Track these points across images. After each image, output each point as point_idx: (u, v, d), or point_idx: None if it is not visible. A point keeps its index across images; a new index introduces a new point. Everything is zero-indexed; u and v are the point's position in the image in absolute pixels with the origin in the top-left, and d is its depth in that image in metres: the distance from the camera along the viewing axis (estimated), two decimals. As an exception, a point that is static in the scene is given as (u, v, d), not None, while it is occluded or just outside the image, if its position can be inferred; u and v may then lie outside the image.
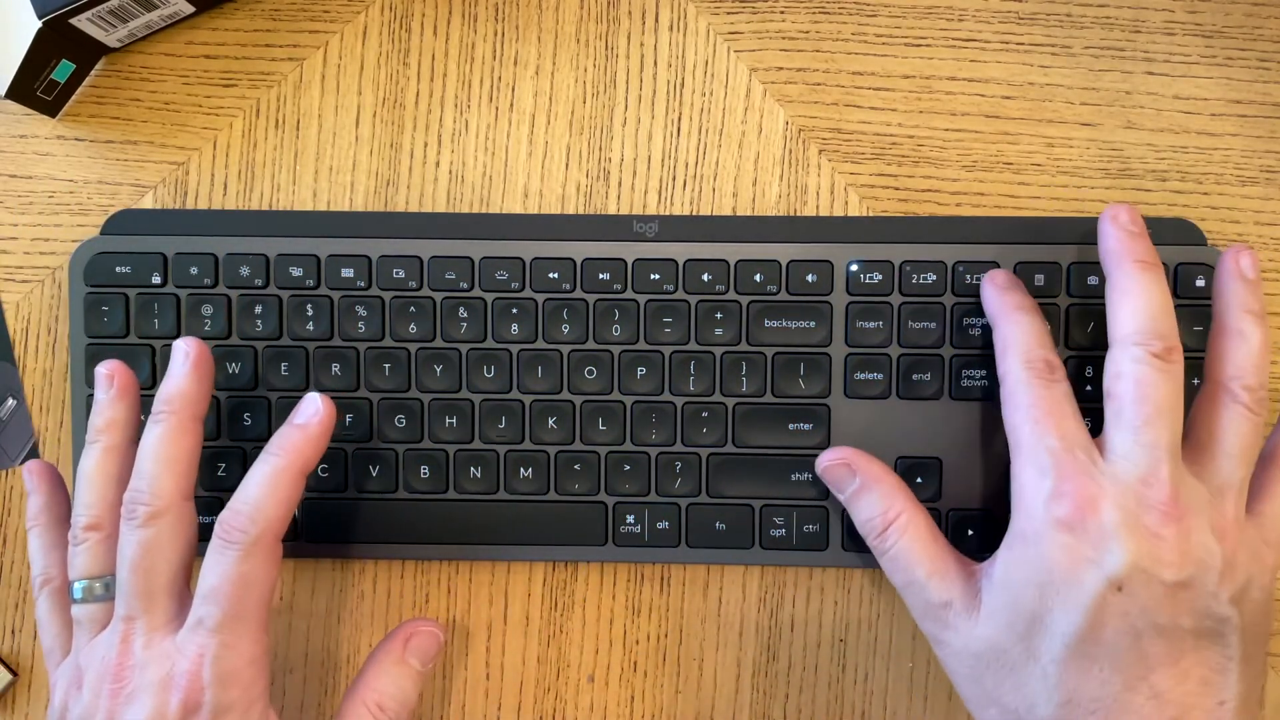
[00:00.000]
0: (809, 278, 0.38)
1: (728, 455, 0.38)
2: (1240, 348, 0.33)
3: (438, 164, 0.40)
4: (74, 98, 0.41)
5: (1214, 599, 0.30)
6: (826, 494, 0.38)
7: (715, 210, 0.40)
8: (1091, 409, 0.35)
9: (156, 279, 0.38)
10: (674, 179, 0.40)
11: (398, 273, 0.38)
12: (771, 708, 0.40)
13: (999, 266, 0.38)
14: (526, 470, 0.38)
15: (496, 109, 0.40)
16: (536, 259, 0.38)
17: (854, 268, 0.38)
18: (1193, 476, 0.32)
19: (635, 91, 0.40)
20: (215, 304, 0.38)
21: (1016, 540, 0.32)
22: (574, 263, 0.38)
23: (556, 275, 0.38)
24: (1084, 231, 0.38)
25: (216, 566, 0.32)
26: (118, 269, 0.38)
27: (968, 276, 0.38)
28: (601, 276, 0.38)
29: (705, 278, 0.38)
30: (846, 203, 0.40)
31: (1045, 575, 0.31)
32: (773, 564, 0.39)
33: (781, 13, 0.40)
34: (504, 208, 0.40)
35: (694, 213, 0.40)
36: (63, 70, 0.39)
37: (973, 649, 0.32)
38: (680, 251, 0.38)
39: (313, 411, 0.34)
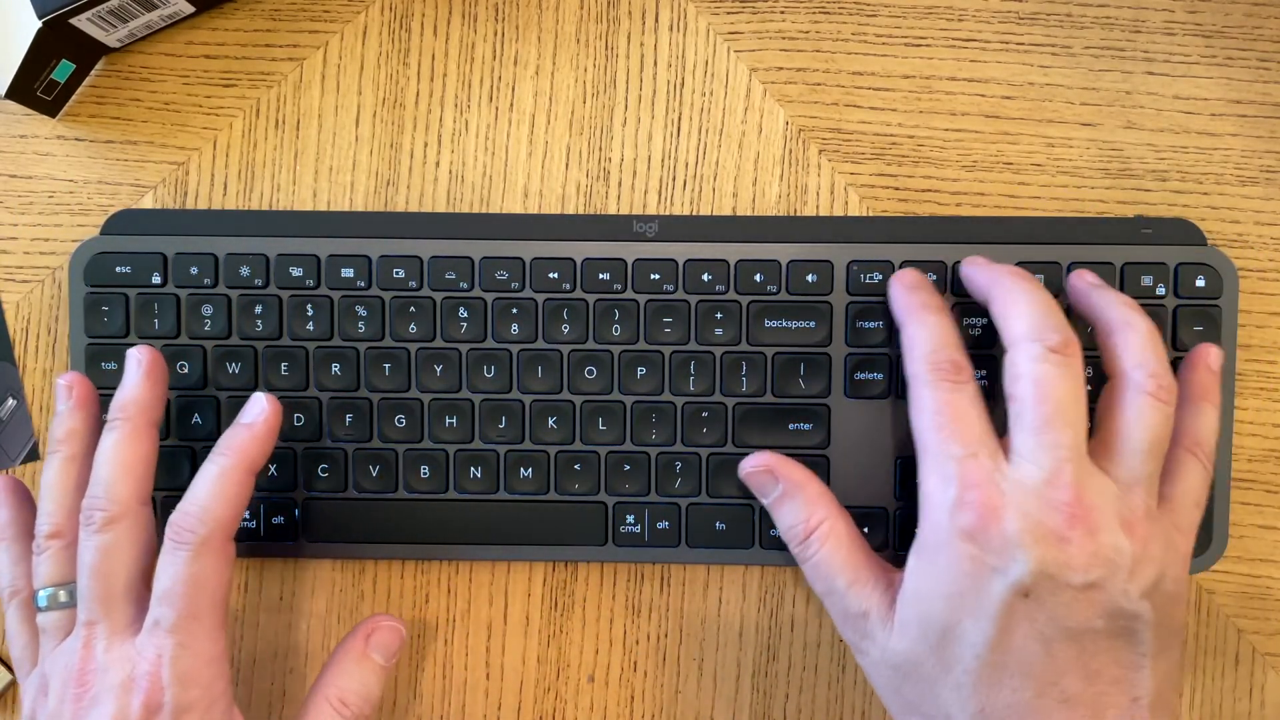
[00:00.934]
0: (809, 278, 0.38)
1: (728, 455, 0.38)
2: (1132, 337, 0.33)
3: (438, 164, 0.40)
4: (74, 98, 0.41)
5: (1124, 597, 0.30)
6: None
7: (715, 210, 0.40)
8: (1094, 409, 0.35)
9: (156, 279, 0.38)
10: (674, 179, 0.40)
11: (398, 273, 0.38)
12: (771, 708, 0.40)
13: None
14: (526, 470, 0.38)
15: (496, 109, 0.40)
16: (536, 259, 0.38)
17: (854, 267, 0.38)
18: (1101, 472, 0.31)
19: (635, 91, 0.40)
20: (215, 304, 0.38)
21: (924, 550, 0.32)
22: (574, 263, 0.38)
23: (556, 275, 0.38)
24: (1084, 231, 0.38)
25: (169, 568, 0.32)
26: (118, 269, 0.38)
27: None
28: (601, 276, 0.38)
29: (705, 278, 0.38)
30: (846, 203, 0.40)
31: (952, 586, 0.31)
32: (772, 564, 0.39)
33: (781, 13, 0.40)
34: (504, 208, 0.40)
35: (694, 213, 0.40)
36: (63, 70, 0.39)
37: (890, 660, 0.32)
38: (680, 251, 0.38)
39: (258, 411, 0.34)
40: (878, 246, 0.38)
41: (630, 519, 0.38)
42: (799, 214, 0.40)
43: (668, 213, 0.40)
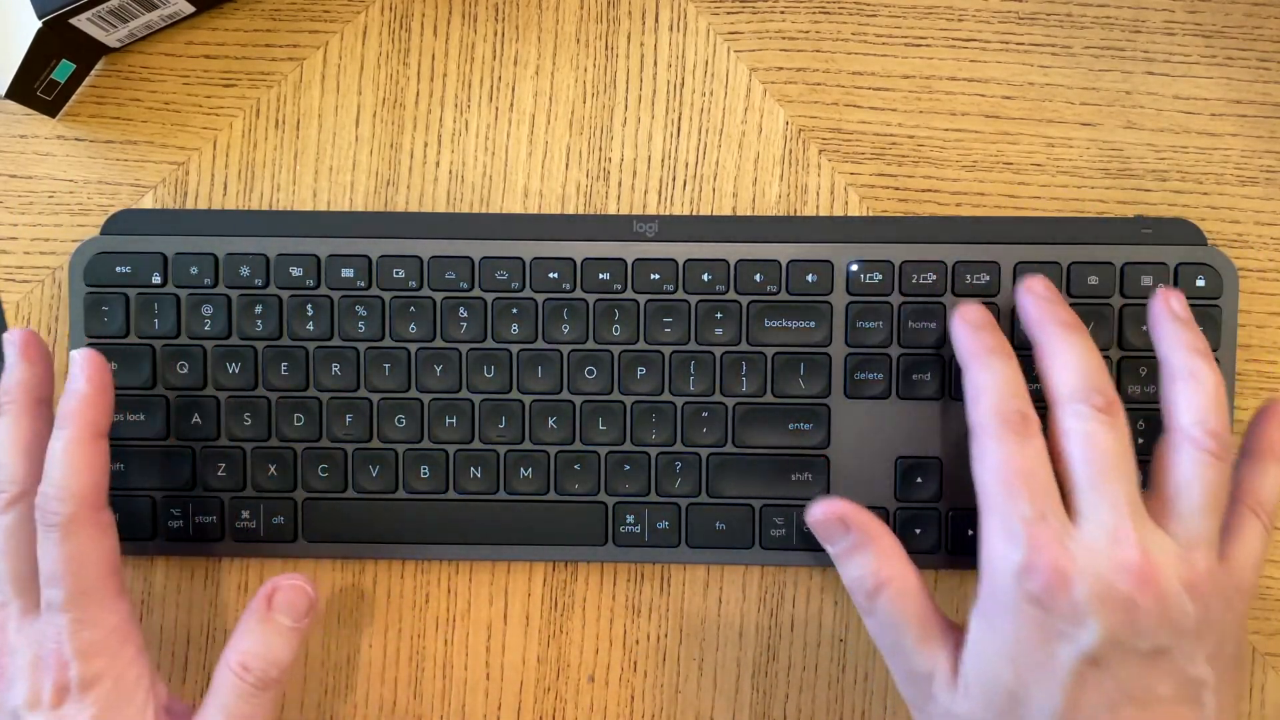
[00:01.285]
0: (809, 278, 0.38)
1: (728, 455, 0.38)
2: (1195, 391, 0.32)
3: (438, 164, 0.40)
4: (74, 98, 0.41)
5: (1190, 661, 0.29)
6: (826, 493, 0.38)
7: (715, 210, 0.40)
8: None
9: (156, 279, 0.38)
10: (674, 179, 0.40)
11: (398, 273, 0.38)
12: (771, 708, 0.40)
13: (999, 266, 0.38)
14: (527, 470, 0.38)
15: (496, 109, 0.40)
16: (536, 259, 0.38)
17: (854, 268, 0.38)
18: (1161, 531, 0.30)
19: (635, 91, 0.40)
20: (215, 304, 0.38)
21: (987, 612, 0.31)
22: (574, 263, 0.38)
23: (556, 275, 0.38)
24: (1084, 231, 0.38)
25: (47, 551, 0.33)
26: (118, 269, 0.38)
27: (968, 276, 0.38)
28: (601, 276, 0.38)
29: (705, 277, 0.38)
30: (846, 203, 0.40)
31: (1019, 651, 0.30)
32: (773, 564, 0.39)
33: (781, 13, 0.40)
34: (504, 208, 0.40)
35: (694, 213, 0.40)
36: (63, 70, 0.39)
37: None
38: (680, 251, 0.38)
39: (79, 370, 0.34)
40: (878, 246, 0.38)
41: (630, 519, 0.38)
42: (799, 214, 0.40)
43: (668, 213, 0.40)
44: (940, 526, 0.38)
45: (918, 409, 0.38)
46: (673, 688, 0.40)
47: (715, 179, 0.40)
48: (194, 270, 0.38)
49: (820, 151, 0.40)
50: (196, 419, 0.38)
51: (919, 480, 0.38)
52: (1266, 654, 0.39)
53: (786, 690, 0.40)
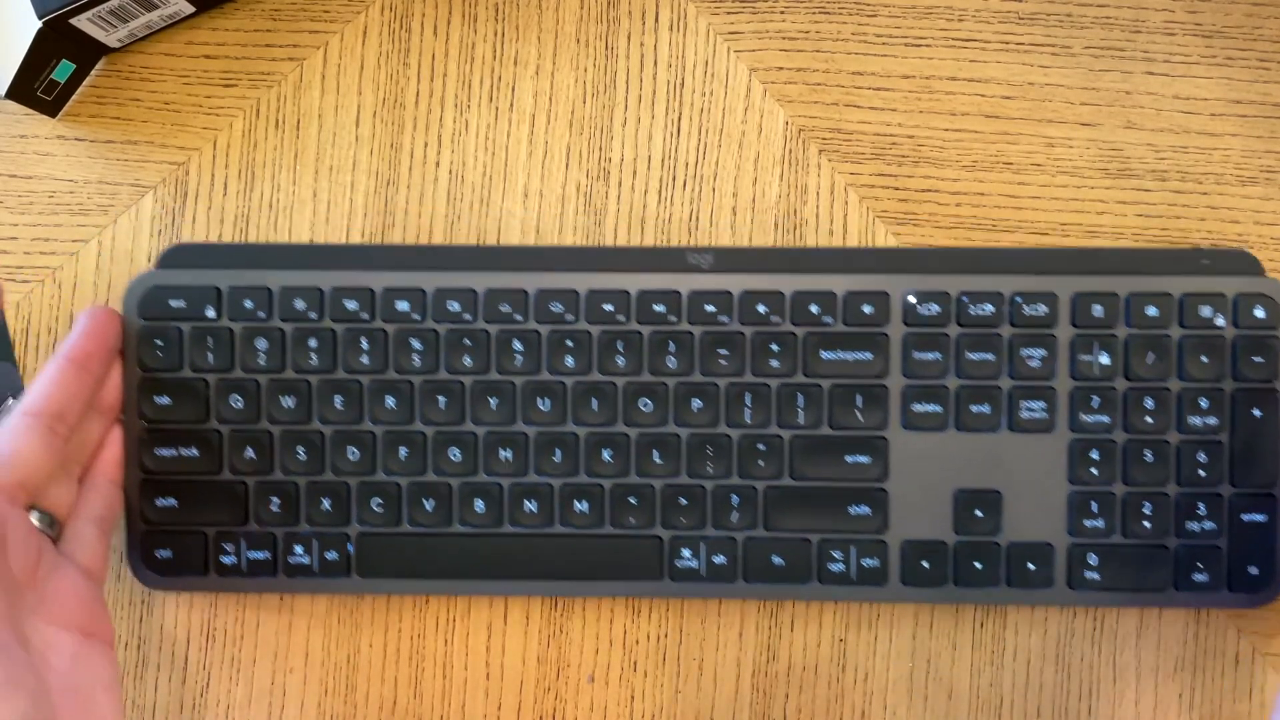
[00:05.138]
0: (865, 309, 0.38)
1: (785, 488, 0.38)
2: None
3: (438, 164, 0.40)
4: (74, 98, 0.41)
5: None
6: (885, 526, 0.38)
7: (715, 210, 0.40)
8: (1152, 440, 0.36)
9: (211, 312, 0.38)
10: (674, 179, 0.40)
11: (452, 306, 0.38)
12: (771, 708, 0.40)
13: (1056, 297, 0.37)
14: (581, 504, 0.38)
15: (496, 109, 0.41)
16: (591, 291, 0.38)
17: (911, 299, 0.38)
18: None
19: (635, 91, 0.40)
20: (269, 337, 0.38)
21: None
22: (628, 295, 0.38)
23: (611, 307, 0.38)
24: (1142, 262, 0.38)
25: None
26: (172, 302, 0.38)
27: (1026, 307, 0.37)
28: (656, 308, 0.38)
29: (760, 309, 0.38)
30: (847, 202, 0.40)
31: None
32: (831, 599, 0.38)
33: (781, 13, 0.40)
34: (504, 208, 0.40)
35: (694, 212, 0.40)
36: (63, 70, 0.39)
37: None
38: (735, 283, 0.38)
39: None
40: (934, 278, 0.38)
41: (686, 553, 0.38)
42: (799, 213, 0.40)
43: (668, 213, 0.40)
44: (999, 560, 0.38)
45: (976, 441, 0.37)
46: (673, 688, 0.40)
47: (715, 179, 0.40)
48: (248, 304, 0.38)
49: (820, 151, 0.40)
50: (250, 453, 0.38)
51: (978, 513, 0.37)
52: (1267, 654, 0.39)
53: (786, 690, 0.40)
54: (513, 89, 0.41)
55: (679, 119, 0.40)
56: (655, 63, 0.40)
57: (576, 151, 0.40)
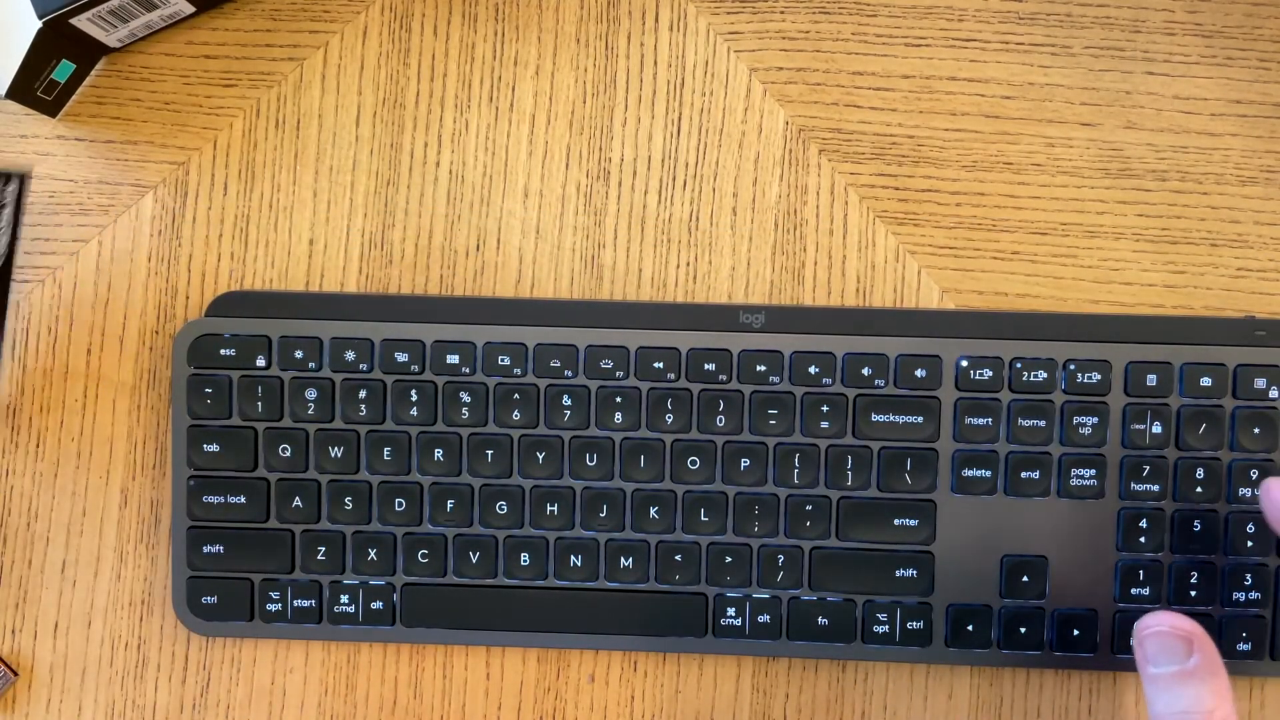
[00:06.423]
0: (918, 372, 0.38)
1: (831, 549, 0.38)
2: None
3: (438, 164, 0.40)
4: (74, 98, 0.41)
5: None
6: (930, 590, 0.38)
7: (715, 210, 0.40)
8: (1202, 511, 0.36)
9: (261, 361, 0.38)
10: (674, 179, 0.40)
11: (503, 360, 0.38)
12: (771, 708, 0.40)
13: (1109, 365, 0.37)
14: (627, 560, 0.38)
15: (496, 109, 0.41)
16: (642, 348, 0.38)
17: (963, 363, 0.37)
18: None
19: (635, 91, 0.40)
20: (319, 387, 0.38)
21: None
22: (679, 352, 0.38)
23: (661, 365, 0.38)
24: (1196, 332, 0.38)
25: None
26: (222, 351, 0.38)
27: (1079, 375, 0.37)
28: (707, 367, 0.38)
29: (812, 370, 0.38)
30: (847, 203, 0.40)
31: None
32: (875, 659, 0.38)
33: (781, 13, 0.40)
34: (504, 208, 0.40)
35: (694, 212, 0.40)
36: (63, 70, 0.39)
37: None
38: (787, 343, 0.38)
39: None
40: (988, 342, 0.38)
41: (731, 611, 0.38)
42: (800, 214, 0.40)
43: (668, 213, 0.40)
44: (1046, 626, 0.38)
45: (1025, 506, 0.38)
46: (673, 688, 0.40)
47: (715, 179, 0.40)
48: (298, 354, 0.38)
49: (820, 151, 0.40)
50: (298, 502, 0.38)
51: (1025, 579, 0.37)
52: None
53: (786, 690, 0.40)
54: (513, 89, 0.41)
55: (679, 119, 0.40)
56: (655, 63, 0.40)
57: (576, 151, 0.40)
